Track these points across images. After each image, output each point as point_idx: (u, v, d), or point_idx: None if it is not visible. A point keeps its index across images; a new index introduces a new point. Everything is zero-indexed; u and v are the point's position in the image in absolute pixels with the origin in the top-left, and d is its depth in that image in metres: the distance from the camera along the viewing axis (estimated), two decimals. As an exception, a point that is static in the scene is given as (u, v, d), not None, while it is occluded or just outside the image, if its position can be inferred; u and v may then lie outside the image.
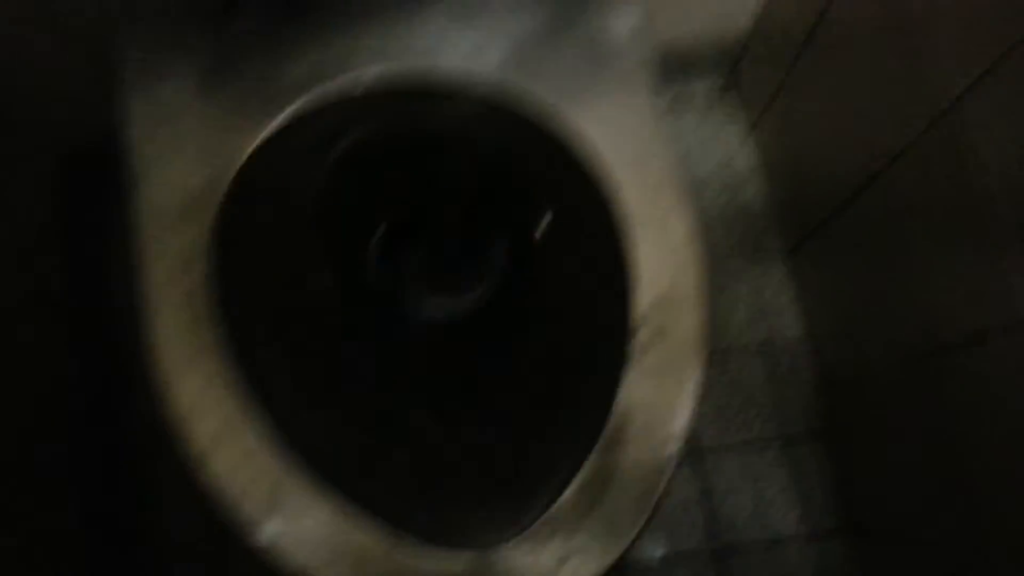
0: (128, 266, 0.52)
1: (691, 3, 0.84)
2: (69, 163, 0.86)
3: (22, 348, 0.72)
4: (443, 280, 0.66)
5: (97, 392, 0.83)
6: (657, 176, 0.53)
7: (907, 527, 0.77)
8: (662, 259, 0.52)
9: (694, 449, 0.90)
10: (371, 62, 0.55)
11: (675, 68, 0.94)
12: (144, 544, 0.85)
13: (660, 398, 0.51)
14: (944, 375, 0.66)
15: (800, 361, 0.93)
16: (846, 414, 0.88)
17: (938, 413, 0.68)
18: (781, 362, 0.93)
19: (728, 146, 0.97)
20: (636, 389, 0.51)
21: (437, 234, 0.67)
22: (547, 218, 0.61)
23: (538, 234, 0.62)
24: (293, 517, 0.48)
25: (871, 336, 0.79)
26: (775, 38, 0.86)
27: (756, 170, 0.96)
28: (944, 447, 0.67)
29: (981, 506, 0.63)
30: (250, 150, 0.53)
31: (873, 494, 0.84)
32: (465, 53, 0.56)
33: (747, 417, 0.92)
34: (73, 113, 0.80)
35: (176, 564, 0.85)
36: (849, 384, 0.86)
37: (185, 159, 0.53)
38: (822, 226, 0.85)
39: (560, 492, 0.50)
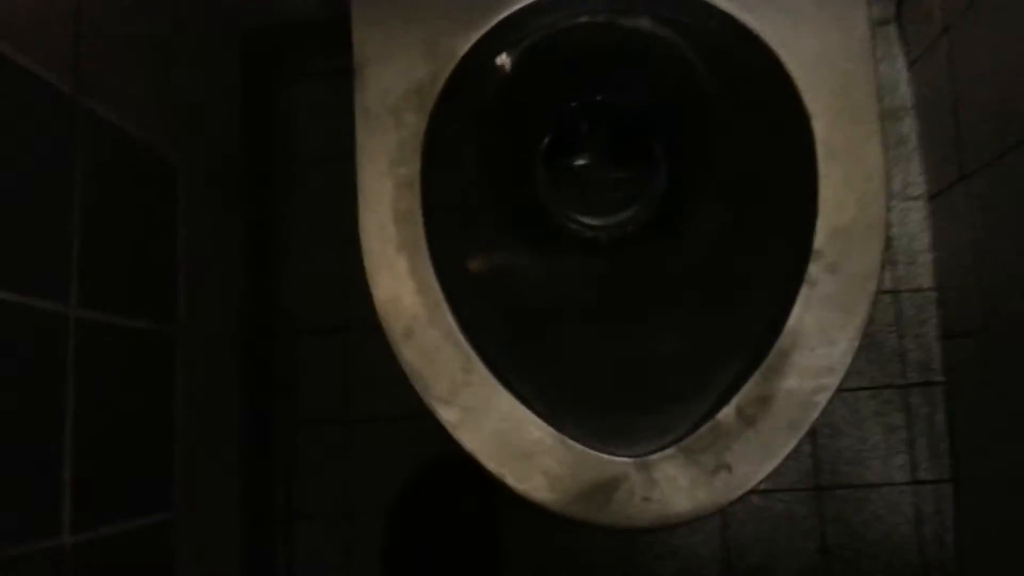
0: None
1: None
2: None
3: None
4: (605, 194, 0.67)
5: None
6: (858, 105, 0.53)
7: (1008, 483, 0.78)
8: (848, 191, 0.52)
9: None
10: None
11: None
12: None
13: (825, 332, 0.53)
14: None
15: (926, 310, 0.92)
16: (964, 368, 0.88)
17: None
18: (907, 309, 0.92)
19: (889, 77, 0.94)
20: (804, 319, 0.53)
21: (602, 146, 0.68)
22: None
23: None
24: (472, 407, 0.52)
25: (1001, 294, 0.78)
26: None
27: (913, 107, 0.93)
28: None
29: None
30: (466, 48, 0.55)
31: (978, 447, 0.85)
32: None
33: (864, 361, 0.92)
34: None
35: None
36: (971, 339, 0.85)
37: (408, 52, 0.56)
38: (969, 176, 0.83)
39: (718, 409, 0.52)
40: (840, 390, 0.89)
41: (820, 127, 0.53)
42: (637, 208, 0.68)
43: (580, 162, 0.69)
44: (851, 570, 0.91)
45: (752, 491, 0.55)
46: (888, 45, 0.95)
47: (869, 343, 0.92)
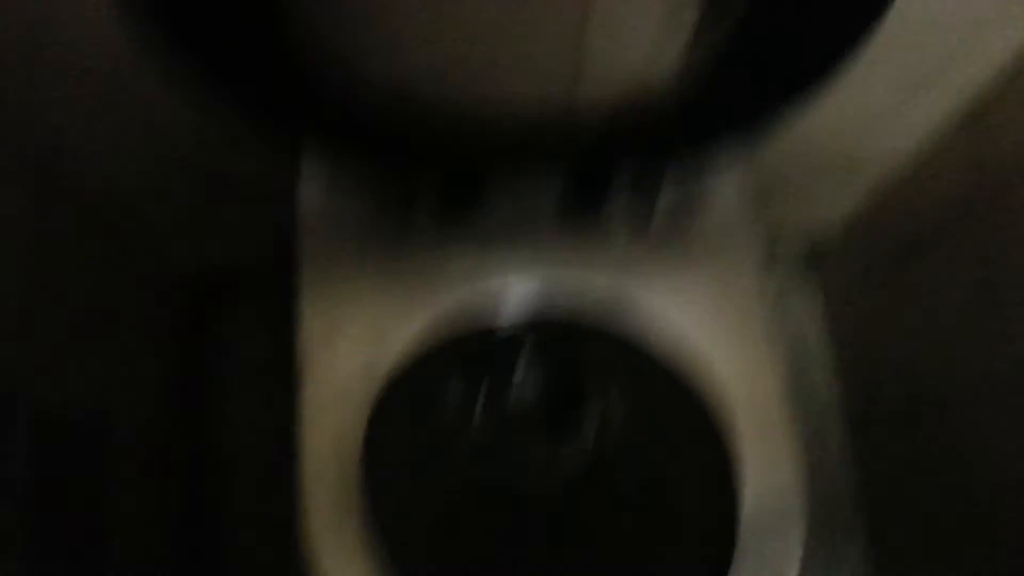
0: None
1: (787, 197, 0.90)
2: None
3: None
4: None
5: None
6: (770, 396, 0.59)
7: None
8: (765, 485, 0.57)
9: None
10: (522, 271, 0.62)
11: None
12: None
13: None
14: None
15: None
16: None
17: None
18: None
19: (803, 324, 1.02)
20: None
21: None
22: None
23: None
24: None
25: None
26: (860, 249, 0.92)
27: (825, 358, 1.01)
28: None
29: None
30: (407, 339, 0.59)
31: None
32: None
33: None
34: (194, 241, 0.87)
35: None
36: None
37: (350, 341, 0.60)
38: (883, 421, 0.89)
39: None
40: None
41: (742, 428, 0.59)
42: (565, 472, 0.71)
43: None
44: None
45: None
46: (813, 291, 1.02)
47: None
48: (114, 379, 0.75)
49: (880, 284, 0.86)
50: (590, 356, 0.64)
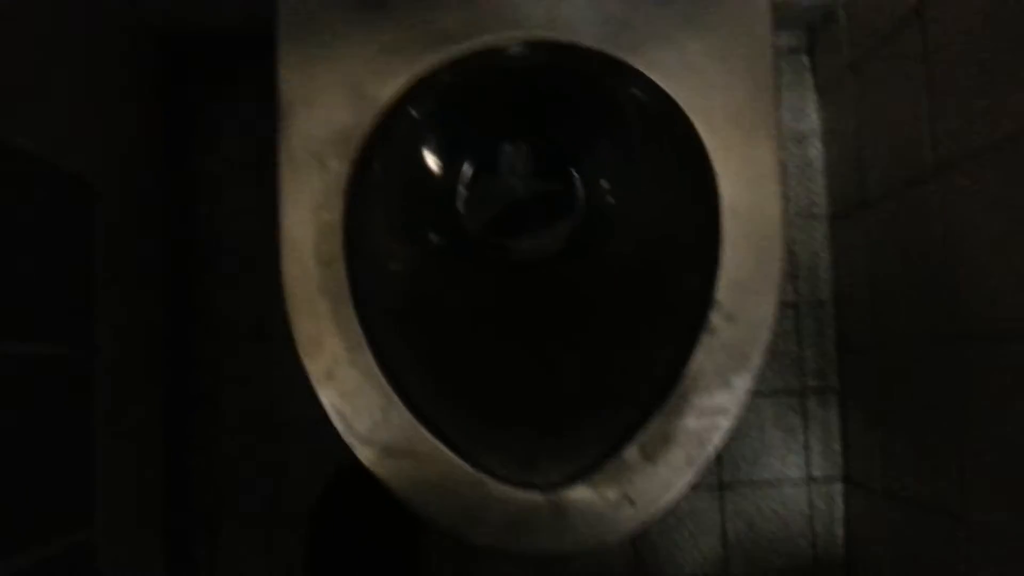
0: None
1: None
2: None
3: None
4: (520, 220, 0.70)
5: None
6: (762, 169, 0.57)
7: (891, 483, 0.86)
8: (748, 249, 0.57)
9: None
10: (513, 27, 0.58)
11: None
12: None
13: (722, 376, 0.57)
14: (956, 362, 0.72)
15: (824, 323, 0.99)
16: (856, 378, 0.95)
17: (939, 394, 0.75)
18: (807, 320, 0.99)
19: (798, 103, 1.00)
20: (703, 363, 0.57)
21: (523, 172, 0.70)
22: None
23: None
24: (392, 445, 0.55)
25: (896, 311, 0.85)
26: (866, 15, 0.87)
27: (820, 133, 0.99)
28: (937, 424, 0.75)
29: (971, 485, 0.71)
30: (390, 96, 0.56)
31: (867, 451, 0.93)
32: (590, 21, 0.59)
33: (767, 367, 0.99)
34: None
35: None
36: (865, 351, 0.92)
37: (334, 96, 0.57)
38: (867, 205, 0.89)
39: (622, 446, 0.56)
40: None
41: (725, 186, 0.57)
42: (554, 234, 0.71)
43: (500, 187, 0.72)
44: (749, 561, 0.99)
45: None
46: (799, 72, 1.00)
47: (770, 350, 0.99)
48: (96, 133, 0.73)
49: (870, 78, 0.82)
50: (581, 108, 0.61)
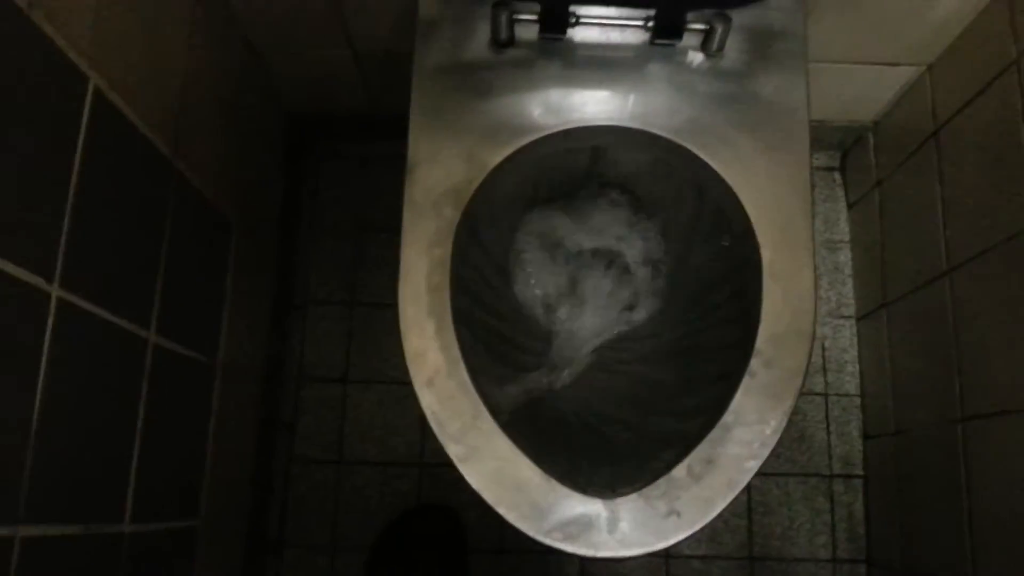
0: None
1: (833, 87, 0.99)
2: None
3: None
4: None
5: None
6: (797, 239, 0.69)
7: (913, 561, 0.92)
8: (785, 306, 0.68)
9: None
10: (597, 117, 0.72)
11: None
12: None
13: (760, 413, 0.67)
14: (969, 440, 0.80)
15: (851, 412, 1.08)
16: (879, 465, 1.02)
17: (948, 473, 0.83)
18: (835, 410, 1.08)
19: (832, 214, 1.13)
20: (744, 402, 0.67)
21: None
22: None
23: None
24: (476, 446, 0.65)
25: (915, 400, 0.94)
26: (890, 139, 1.01)
27: (849, 241, 1.12)
28: (948, 501, 0.82)
29: (980, 553, 0.78)
30: (497, 161, 0.70)
31: (889, 531, 0.99)
32: (664, 115, 0.73)
33: (797, 451, 1.07)
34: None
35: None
36: (888, 438, 1.00)
37: (451, 158, 0.71)
38: (889, 304, 1.00)
39: (673, 465, 0.66)
40: (775, 474, 1.05)
41: (767, 254, 0.69)
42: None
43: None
44: (774, 637, 1.03)
45: (687, 553, 0.68)
46: (832, 188, 1.13)
47: (801, 436, 1.07)
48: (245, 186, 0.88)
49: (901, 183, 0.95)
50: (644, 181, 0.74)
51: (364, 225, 1.13)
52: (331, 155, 1.15)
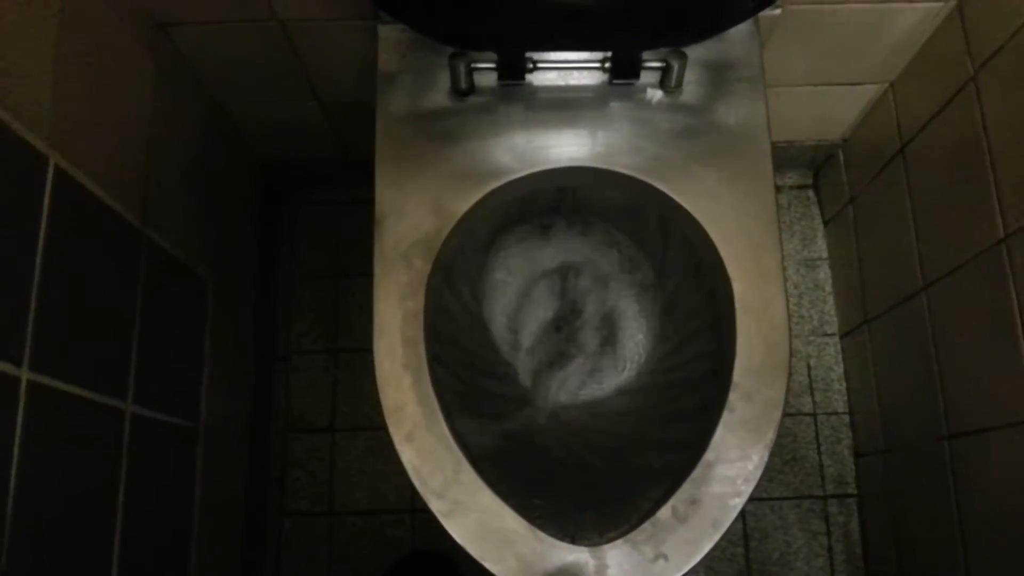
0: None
1: (800, 109, 0.99)
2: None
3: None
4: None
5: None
6: (767, 270, 0.69)
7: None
8: (758, 339, 0.68)
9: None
10: (561, 159, 0.72)
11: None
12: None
13: (741, 448, 0.66)
14: (956, 456, 0.80)
15: (841, 431, 1.07)
16: (872, 482, 1.02)
17: (938, 489, 0.82)
18: (825, 429, 1.07)
19: (808, 232, 1.13)
20: (724, 438, 0.67)
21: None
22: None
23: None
24: (459, 500, 0.64)
25: (901, 417, 0.94)
26: (860, 156, 1.02)
27: (827, 258, 1.12)
28: (940, 516, 0.82)
29: (973, 566, 0.77)
30: (465, 209, 0.70)
31: (886, 550, 0.98)
32: (627, 153, 0.73)
33: (789, 474, 1.06)
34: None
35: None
36: (878, 456, 1.00)
37: (419, 208, 0.71)
38: (870, 321, 1.00)
39: (657, 508, 0.65)
40: (769, 499, 1.04)
41: (738, 287, 0.69)
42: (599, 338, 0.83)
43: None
44: (779, 664, 1.02)
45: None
46: (808, 206, 1.14)
47: (792, 458, 1.07)
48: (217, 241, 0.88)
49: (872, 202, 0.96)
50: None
51: (343, 271, 1.13)
52: (306, 202, 1.15)
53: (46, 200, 0.58)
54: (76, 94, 0.63)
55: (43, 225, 0.58)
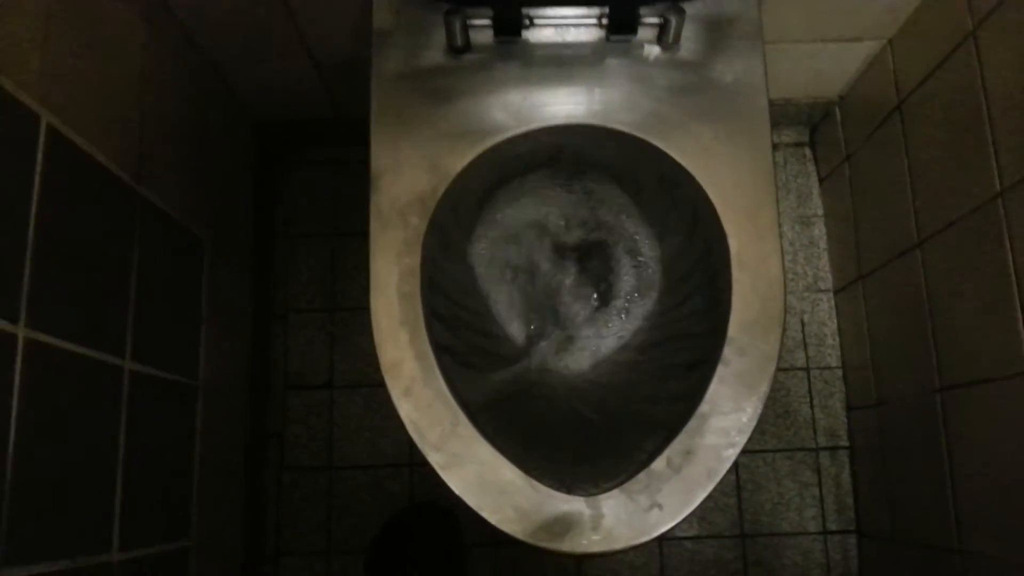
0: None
1: (797, 65, 0.99)
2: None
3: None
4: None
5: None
6: (763, 226, 0.69)
7: (901, 530, 0.93)
8: (754, 294, 0.68)
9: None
10: (557, 116, 0.72)
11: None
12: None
13: (735, 401, 0.68)
14: (948, 409, 0.82)
15: (833, 385, 1.09)
16: (864, 435, 1.04)
17: (931, 442, 0.84)
18: (817, 383, 1.09)
19: (804, 189, 1.14)
20: (719, 390, 0.68)
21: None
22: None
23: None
24: (457, 453, 0.66)
25: (894, 371, 0.95)
26: (857, 113, 1.01)
27: (823, 215, 1.12)
28: (932, 469, 0.83)
29: (964, 517, 0.79)
30: (460, 167, 0.70)
31: (877, 502, 1.00)
32: (624, 110, 0.73)
33: (782, 427, 1.08)
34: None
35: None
36: (871, 409, 1.02)
37: (415, 167, 0.71)
38: (864, 276, 1.01)
39: (653, 459, 0.66)
40: (762, 451, 1.06)
41: (734, 244, 0.69)
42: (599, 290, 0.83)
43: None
44: (769, 610, 1.05)
45: (679, 535, 0.69)
46: (803, 163, 1.14)
47: (785, 412, 1.08)
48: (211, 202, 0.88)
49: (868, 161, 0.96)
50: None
51: (339, 230, 1.13)
52: (302, 162, 1.14)
53: (39, 158, 0.58)
54: (67, 52, 0.63)
55: (36, 183, 0.58)
